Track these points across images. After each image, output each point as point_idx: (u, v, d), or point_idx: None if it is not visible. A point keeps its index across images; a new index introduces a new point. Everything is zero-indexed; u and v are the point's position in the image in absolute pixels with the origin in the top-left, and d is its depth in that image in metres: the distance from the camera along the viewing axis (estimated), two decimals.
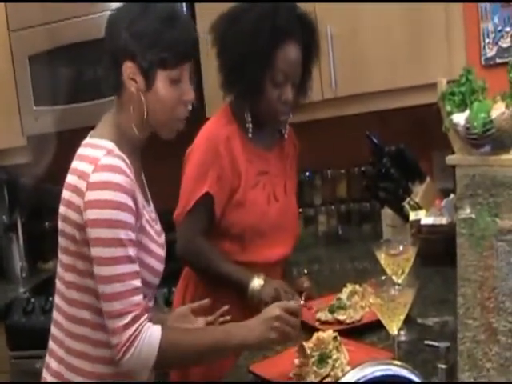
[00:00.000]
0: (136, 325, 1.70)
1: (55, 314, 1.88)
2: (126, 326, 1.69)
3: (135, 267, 1.73)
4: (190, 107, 1.85)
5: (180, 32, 1.77)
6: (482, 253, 1.76)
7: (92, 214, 1.69)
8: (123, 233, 1.70)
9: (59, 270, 1.85)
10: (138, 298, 1.72)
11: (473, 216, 2.05)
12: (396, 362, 1.63)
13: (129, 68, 1.76)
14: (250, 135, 2.39)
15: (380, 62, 3.07)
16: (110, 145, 1.77)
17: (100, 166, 1.71)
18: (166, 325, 1.97)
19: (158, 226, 1.93)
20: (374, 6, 3.03)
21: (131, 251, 1.72)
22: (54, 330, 1.88)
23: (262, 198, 2.41)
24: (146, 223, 1.81)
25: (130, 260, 1.71)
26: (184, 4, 3.15)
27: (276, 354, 2.00)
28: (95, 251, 1.70)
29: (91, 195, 1.70)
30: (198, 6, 3.19)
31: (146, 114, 1.78)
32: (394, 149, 2.74)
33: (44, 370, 1.90)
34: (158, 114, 1.80)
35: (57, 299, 1.87)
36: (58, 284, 1.85)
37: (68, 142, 3.22)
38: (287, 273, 2.63)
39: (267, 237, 2.39)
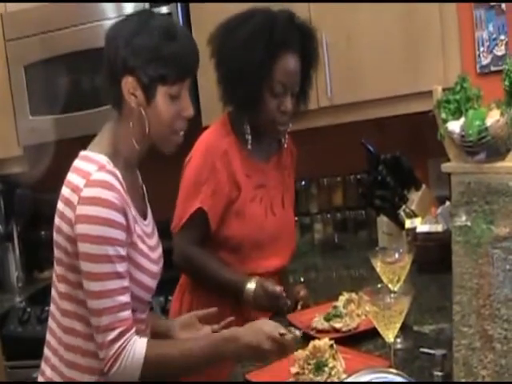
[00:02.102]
0: (122, 340, 1.72)
1: (50, 322, 1.89)
2: (112, 342, 1.71)
3: (124, 283, 1.74)
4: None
5: (179, 47, 1.78)
6: (477, 260, 1.76)
7: (81, 229, 1.71)
8: (111, 249, 1.71)
9: (54, 279, 1.86)
10: (126, 313, 1.73)
11: (468, 223, 2.05)
12: (392, 370, 1.64)
13: (129, 83, 1.77)
14: (249, 147, 2.39)
15: (375, 70, 3.08)
16: (104, 159, 1.77)
17: (91, 181, 1.72)
18: (173, 332, 2.04)
19: (154, 240, 1.93)
20: (369, 14, 3.04)
21: (120, 267, 1.73)
22: (48, 337, 1.89)
23: (260, 211, 2.42)
24: (138, 239, 1.81)
25: (118, 276, 1.72)
26: (179, 9, 3.17)
27: (272, 363, 2.00)
28: (84, 266, 1.71)
29: (81, 210, 1.71)
30: (192, 10, 3.21)
31: (147, 128, 1.79)
32: (390, 156, 2.74)
33: (39, 376, 1.91)
34: (157, 129, 1.80)
35: (52, 307, 1.88)
36: (53, 292, 1.86)
37: (64, 152, 3.24)
38: (284, 281, 2.62)
39: (265, 249, 2.40)
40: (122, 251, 1.73)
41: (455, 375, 1.23)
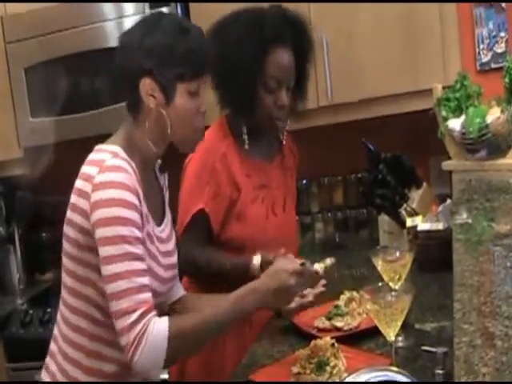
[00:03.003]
0: (143, 321, 1.64)
1: (58, 318, 1.87)
2: (133, 324, 1.64)
3: (141, 265, 1.68)
4: None
5: (194, 43, 1.76)
6: (478, 258, 1.76)
7: (97, 215, 1.67)
8: (126, 229, 1.66)
9: (63, 274, 1.83)
10: (146, 295, 1.67)
11: (469, 221, 2.05)
12: (393, 368, 1.64)
13: (147, 85, 1.75)
14: (246, 147, 2.39)
15: (375, 68, 3.07)
16: (118, 149, 1.76)
17: (104, 167, 1.70)
18: None
19: (168, 247, 1.91)
20: (369, 12, 3.04)
21: (136, 248, 1.68)
22: (55, 331, 1.87)
23: (261, 212, 2.41)
24: (147, 237, 1.77)
25: (134, 257, 1.67)
26: (179, 10, 3.17)
27: (274, 362, 2.00)
28: (101, 251, 1.67)
29: (95, 196, 1.68)
30: (192, 11, 3.21)
31: (169, 128, 1.77)
32: (390, 155, 2.74)
33: (43, 371, 1.89)
34: (178, 128, 1.79)
35: (60, 303, 1.85)
36: (62, 289, 1.84)
37: (65, 153, 3.25)
38: None
39: (267, 250, 2.38)
40: (138, 233, 1.69)
41: (456, 373, 1.22)
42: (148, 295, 1.68)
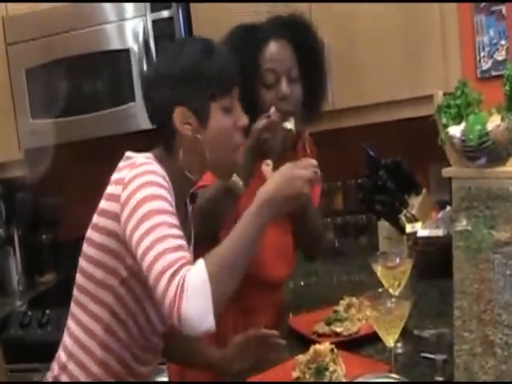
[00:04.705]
0: (180, 273, 1.53)
1: (69, 321, 1.85)
2: (170, 280, 1.53)
3: (177, 231, 1.61)
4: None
5: (218, 61, 1.74)
6: (478, 265, 1.76)
7: (127, 209, 1.62)
8: (160, 204, 1.61)
9: (78, 276, 1.80)
10: (182, 253, 1.58)
11: (469, 228, 2.05)
12: (392, 375, 1.64)
13: (180, 114, 1.72)
14: None
15: (376, 74, 3.08)
16: (150, 155, 1.74)
17: (136, 165, 1.68)
18: None
19: None
20: (370, 19, 3.05)
21: (171, 218, 1.61)
22: (70, 323, 1.84)
23: None
24: None
25: (170, 225, 1.60)
26: (180, 12, 3.18)
27: (273, 367, 2.00)
28: (134, 234, 1.59)
29: (126, 192, 1.64)
30: (193, 13, 3.22)
31: (207, 153, 1.74)
32: (391, 161, 2.74)
33: (56, 367, 1.87)
34: (216, 150, 1.75)
35: (72, 307, 1.83)
36: (75, 291, 1.81)
37: (65, 155, 3.25)
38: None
39: (266, 258, 2.34)
40: (174, 220, 1.62)
41: (456, 381, 1.23)
42: (184, 253, 1.58)
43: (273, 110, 2.11)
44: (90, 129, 3.26)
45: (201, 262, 1.57)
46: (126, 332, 1.78)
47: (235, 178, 1.96)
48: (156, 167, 1.68)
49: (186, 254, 1.59)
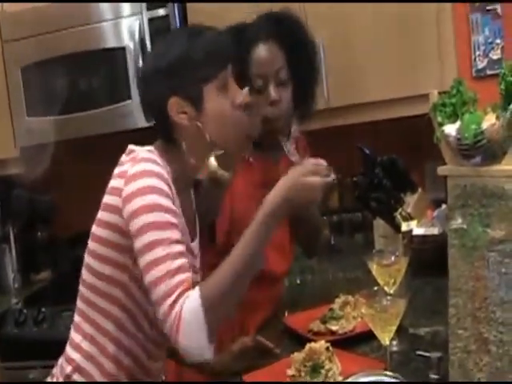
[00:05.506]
0: (178, 303, 1.54)
1: (76, 318, 1.83)
2: (171, 307, 1.54)
3: (179, 247, 1.60)
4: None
5: (207, 41, 1.73)
6: (473, 263, 1.77)
7: (129, 208, 1.61)
8: (159, 215, 1.59)
9: (84, 272, 1.79)
10: (184, 275, 1.57)
11: (464, 226, 2.06)
12: (388, 373, 1.65)
13: (174, 104, 1.71)
14: (250, 159, 2.31)
15: (372, 73, 3.08)
16: (153, 148, 1.74)
17: (137, 159, 1.67)
18: None
19: (197, 263, 1.86)
20: (365, 17, 3.05)
21: (173, 234, 1.60)
22: (79, 320, 1.83)
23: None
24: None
25: (171, 241, 1.59)
26: (176, 11, 3.18)
27: (268, 365, 2.00)
28: (135, 244, 1.60)
29: (128, 189, 1.63)
30: (189, 12, 3.21)
31: (207, 137, 1.72)
32: (386, 159, 2.74)
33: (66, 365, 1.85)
34: (217, 130, 1.74)
35: (79, 303, 1.82)
36: (81, 287, 1.80)
37: (61, 153, 3.25)
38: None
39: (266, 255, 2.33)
40: (174, 219, 1.62)
41: (451, 378, 1.23)
42: (186, 275, 1.58)
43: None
44: (86, 127, 3.26)
45: (196, 289, 1.56)
46: (137, 327, 1.77)
47: (220, 170, 1.87)
48: (156, 165, 1.67)
49: (186, 277, 1.58)
